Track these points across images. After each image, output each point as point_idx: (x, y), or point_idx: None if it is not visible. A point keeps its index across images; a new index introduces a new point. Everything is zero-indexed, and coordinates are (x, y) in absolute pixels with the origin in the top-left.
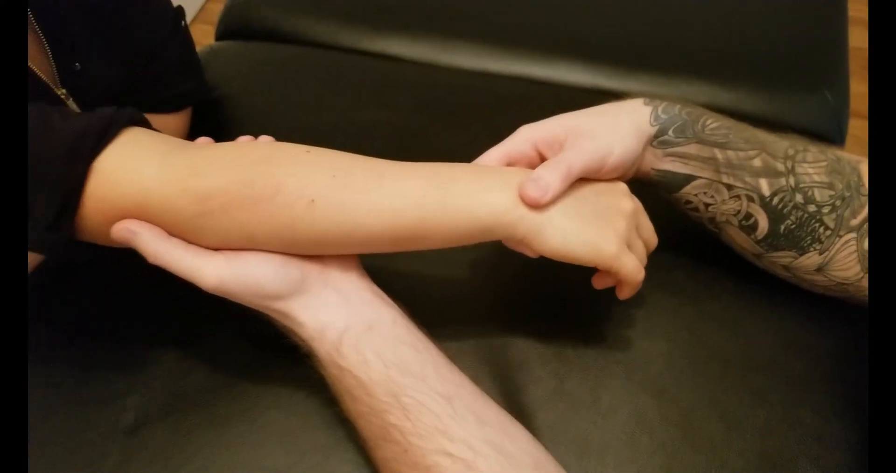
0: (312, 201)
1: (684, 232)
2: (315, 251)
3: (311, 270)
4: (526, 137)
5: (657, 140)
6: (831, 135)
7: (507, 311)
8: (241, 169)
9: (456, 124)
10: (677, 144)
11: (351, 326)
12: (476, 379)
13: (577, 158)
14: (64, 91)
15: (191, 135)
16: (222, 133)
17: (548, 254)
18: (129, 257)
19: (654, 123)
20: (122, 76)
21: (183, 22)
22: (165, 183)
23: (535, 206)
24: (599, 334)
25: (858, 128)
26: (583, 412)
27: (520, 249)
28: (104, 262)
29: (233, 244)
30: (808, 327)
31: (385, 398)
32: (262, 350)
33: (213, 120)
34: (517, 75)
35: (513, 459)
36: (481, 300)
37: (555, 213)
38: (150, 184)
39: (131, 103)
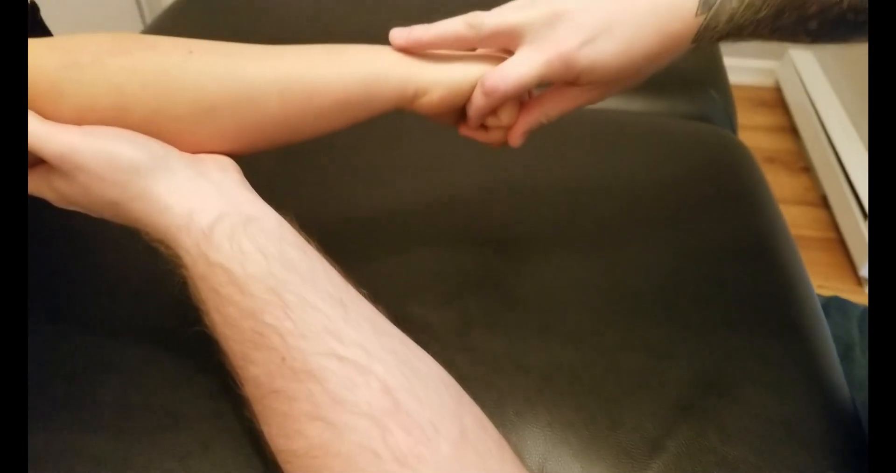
0: (191, 52)
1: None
2: (195, 122)
3: (180, 154)
4: None
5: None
6: (722, 123)
7: (409, 279)
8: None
9: None
10: None
11: (225, 214)
12: None
13: None
14: None
15: None
16: None
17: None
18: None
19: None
20: None
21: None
22: (31, 42)
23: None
24: (511, 289)
25: None
26: (502, 371)
27: (412, 108)
28: None
29: (98, 108)
30: (730, 263)
31: (263, 295)
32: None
33: None
34: None
35: (419, 372)
36: (388, 276)
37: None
38: None
39: None
